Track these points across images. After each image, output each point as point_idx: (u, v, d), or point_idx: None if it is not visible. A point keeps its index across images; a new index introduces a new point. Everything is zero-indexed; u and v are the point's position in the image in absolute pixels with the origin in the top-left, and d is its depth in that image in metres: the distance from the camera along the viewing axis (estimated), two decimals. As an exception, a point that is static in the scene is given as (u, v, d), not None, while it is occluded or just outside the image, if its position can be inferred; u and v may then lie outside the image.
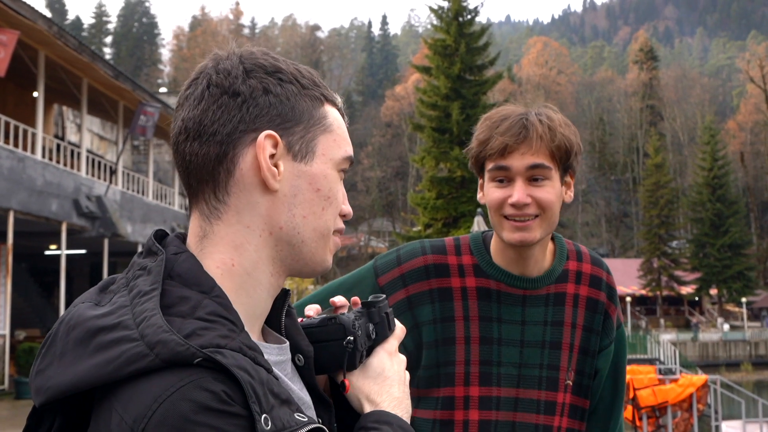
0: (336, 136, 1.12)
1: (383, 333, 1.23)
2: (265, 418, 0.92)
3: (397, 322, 1.27)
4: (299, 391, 1.08)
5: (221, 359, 0.91)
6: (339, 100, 1.17)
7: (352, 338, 1.16)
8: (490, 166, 1.82)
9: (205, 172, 1.05)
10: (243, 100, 1.05)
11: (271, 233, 1.06)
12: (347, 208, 1.15)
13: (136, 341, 0.92)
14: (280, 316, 1.16)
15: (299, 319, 1.21)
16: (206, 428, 0.88)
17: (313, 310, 1.27)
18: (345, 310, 1.23)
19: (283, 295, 1.15)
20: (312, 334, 1.18)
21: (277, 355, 1.09)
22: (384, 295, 1.26)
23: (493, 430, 1.88)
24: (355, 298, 1.27)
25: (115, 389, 0.93)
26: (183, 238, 1.10)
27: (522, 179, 1.79)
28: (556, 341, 1.92)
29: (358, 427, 1.12)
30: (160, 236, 1.11)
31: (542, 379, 1.91)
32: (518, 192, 1.78)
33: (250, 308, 1.06)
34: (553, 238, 1.97)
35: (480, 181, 1.91)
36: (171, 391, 0.89)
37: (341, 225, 1.14)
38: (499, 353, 1.90)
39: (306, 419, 0.98)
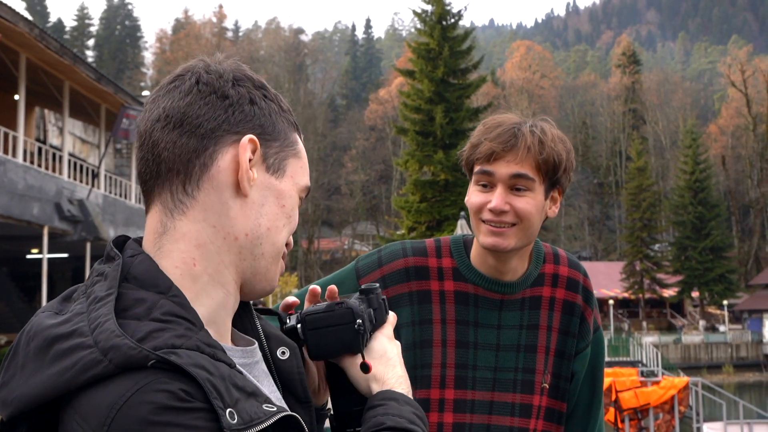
0: (302, 164, 1.14)
1: (381, 318, 1.27)
2: (230, 412, 0.91)
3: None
4: (269, 394, 1.05)
5: (175, 359, 0.90)
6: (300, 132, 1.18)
7: (361, 321, 1.19)
8: (476, 169, 1.84)
9: (179, 163, 1.04)
10: (230, 103, 1.06)
11: (236, 238, 1.05)
12: (291, 240, 1.15)
13: (90, 348, 0.91)
14: (251, 318, 1.17)
15: (290, 312, 1.24)
16: (170, 427, 0.87)
17: (291, 300, 1.33)
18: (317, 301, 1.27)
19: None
20: (318, 320, 1.20)
21: (241, 357, 1.07)
22: (378, 284, 1.30)
23: None
24: (332, 287, 1.28)
25: (74, 398, 0.92)
26: (141, 242, 1.09)
27: (504, 186, 1.81)
28: (532, 344, 1.93)
29: (369, 405, 1.16)
30: (121, 242, 1.09)
31: (516, 383, 1.92)
32: (497, 198, 1.80)
33: (212, 310, 1.04)
34: None
35: (470, 185, 1.93)
36: (127, 396, 0.88)
37: (288, 247, 1.14)
38: (475, 357, 1.91)
39: (275, 408, 0.97)
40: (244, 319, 1.17)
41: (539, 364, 1.94)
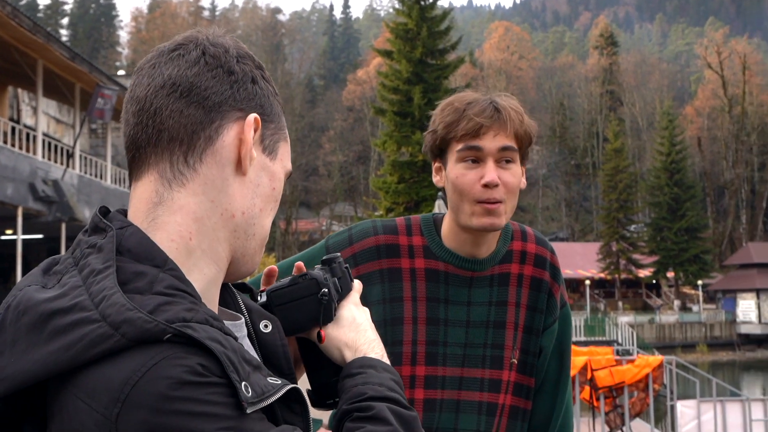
0: (288, 149, 1.14)
1: (347, 286, 1.26)
2: (245, 385, 0.90)
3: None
4: None
5: (192, 333, 0.88)
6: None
7: (326, 290, 1.18)
8: (459, 146, 1.83)
9: (183, 132, 1.01)
10: (236, 79, 1.04)
11: (233, 216, 1.04)
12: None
13: (97, 322, 0.88)
14: (231, 292, 1.16)
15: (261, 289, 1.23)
16: (188, 402, 0.85)
17: (272, 268, 1.32)
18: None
19: None
20: (283, 294, 1.19)
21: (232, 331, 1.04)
22: (339, 253, 1.29)
23: (438, 408, 1.91)
24: (299, 263, 1.27)
25: (73, 377, 0.87)
26: (125, 213, 1.06)
27: (493, 160, 1.82)
28: (501, 321, 1.95)
29: (344, 374, 1.14)
30: (104, 212, 1.05)
31: (486, 358, 1.94)
32: (491, 172, 1.80)
33: (203, 285, 1.01)
34: None
35: (436, 165, 1.93)
36: (143, 370, 0.85)
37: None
38: (445, 333, 1.92)
39: (280, 382, 0.97)
40: (224, 294, 1.14)
41: (508, 339, 1.95)
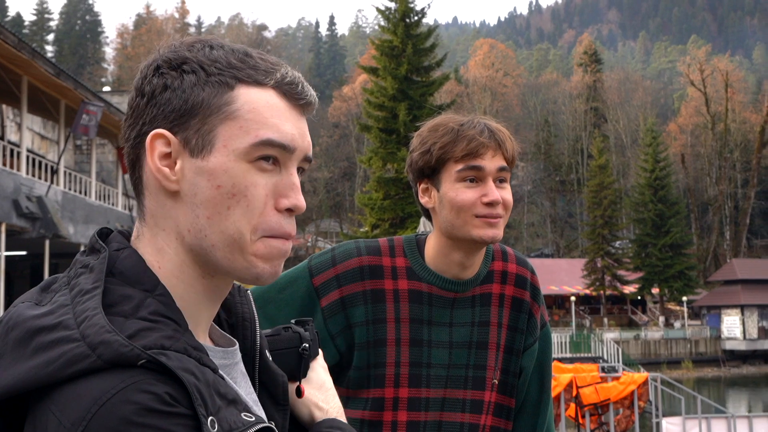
0: (243, 122, 0.99)
1: (316, 350, 1.26)
2: (211, 420, 0.89)
3: None
4: (245, 396, 1.03)
5: (165, 361, 0.88)
6: (279, 75, 1.04)
7: (307, 345, 1.19)
8: (459, 166, 1.85)
9: (131, 177, 1.05)
10: (147, 100, 1.00)
11: (183, 237, 1.00)
12: (288, 201, 1.02)
13: (77, 341, 0.89)
14: (250, 305, 1.16)
15: None
16: (149, 429, 0.85)
17: None
18: None
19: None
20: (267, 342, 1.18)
21: (222, 358, 1.04)
22: (312, 318, 1.33)
23: (422, 430, 1.91)
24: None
25: (51, 391, 0.89)
26: (127, 235, 1.06)
27: (492, 180, 1.86)
28: (483, 341, 1.96)
29: (316, 431, 1.16)
30: (105, 234, 1.06)
31: (468, 379, 1.94)
32: (494, 191, 1.84)
33: (186, 311, 1.00)
34: None
35: (422, 186, 1.93)
36: (111, 393, 0.86)
37: (275, 224, 1.00)
38: (429, 355, 1.93)
39: (254, 419, 0.95)
40: (244, 307, 1.16)
41: (490, 360, 1.96)
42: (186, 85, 0.99)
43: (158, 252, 1.01)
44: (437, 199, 1.90)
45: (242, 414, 0.94)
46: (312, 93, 1.08)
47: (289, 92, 1.04)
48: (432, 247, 1.95)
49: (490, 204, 1.84)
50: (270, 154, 1.00)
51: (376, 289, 1.93)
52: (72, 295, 0.95)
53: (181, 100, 0.99)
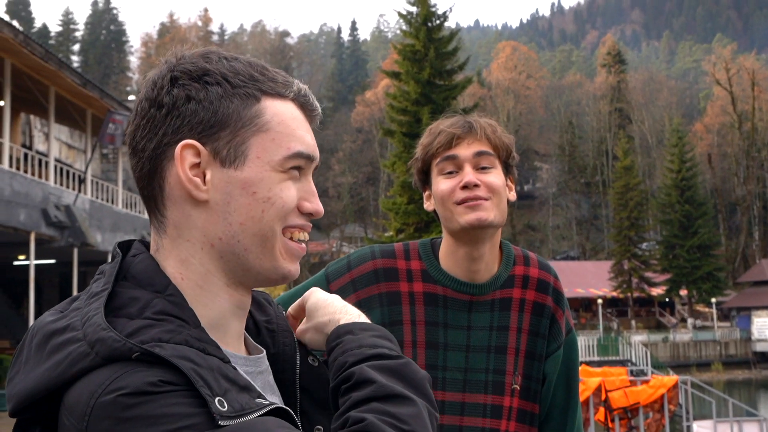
0: (275, 135, 1.03)
1: None
2: (219, 400, 0.89)
3: None
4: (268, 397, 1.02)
5: (159, 351, 0.90)
6: (295, 87, 1.08)
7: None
8: (437, 161, 1.89)
9: (145, 188, 1.04)
10: (167, 111, 1.01)
11: (212, 245, 1.02)
12: (311, 205, 1.07)
13: (80, 341, 0.92)
14: (288, 332, 1.17)
15: None
16: (149, 407, 0.86)
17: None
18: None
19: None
20: None
21: (244, 365, 1.04)
22: None
23: None
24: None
25: (66, 393, 0.92)
26: (147, 245, 1.08)
27: (470, 166, 1.87)
28: (502, 346, 1.95)
29: (327, 350, 1.11)
30: (128, 244, 1.09)
31: (488, 384, 1.93)
32: (468, 174, 1.85)
33: (210, 320, 1.01)
34: (500, 245, 2.00)
35: (426, 192, 1.97)
36: (106, 384, 0.88)
37: (297, 221, 1.06)
38: (444, 358, 1.92)
39: (267, 402, 0.95)
40: (279, 317, 1.17)
41: (509, 365, 1.95)
42: (212, 96, 1.01)
43: (182, 263, 1.02)
44: (433, 200, 1.95)
45: (256, 399, 0.95)
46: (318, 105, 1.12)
47: (305, 104, 1.09)
48: (444, 249, 1.96)
49: (466, 187, 1.84)
50: (299, 165, 1.05)
51: (392, 291, 1.94)
52: (85, 298, 0.99)
53: (209, 112, 1.00)
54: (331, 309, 1.16)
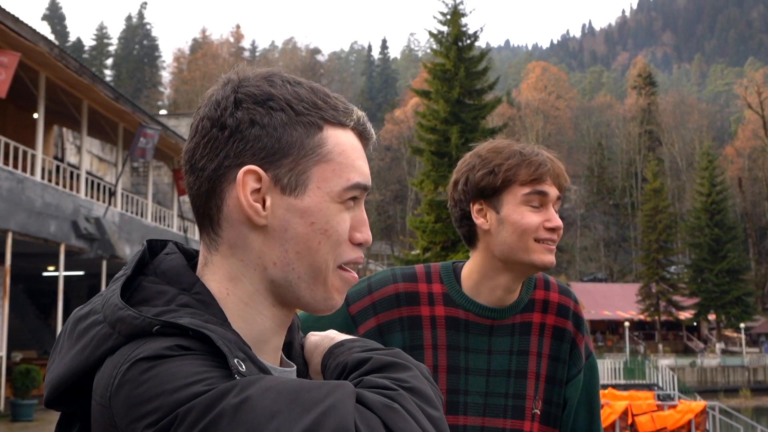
0: (336, 165, 1.03)
1: None
2: (237, 361, 0.90)
3: None
4: None
5: (180, 321, 0.92)
6: (355, 116, 1.08)
7: None
8: (526, 190, 1.85)
9: (200, 206, 1.04)
10: (230, 133, 1.00)
11: (265, 268, 1.03)
12: (362, 236, 1.06)
13: (102, 323, 0.95)
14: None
15: None
16: (169, 365, 0.88)
17: None
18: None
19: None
20: None
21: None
22: None
23: None
24: None
25: (94, 381, 0.94)
26: (183, 247, 1.11)
27: (554, 207, 1.89)
28: (522, 370, 1.94)
29: (322, 367, 1.11)
30: (161, 245, 1.11)
31: (507, 408, 1.92)
32: (557, 218, 1.89)
33: (250, 334, 1.02)
34: None
35: (476, 206, 1.91)
36: (127, 355, 0.90)
37: (351, 256, 1.06)
38: (466, 382, 1.92)
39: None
40: (300, 336, 1.17)
41: (529, 389, 1.94)
42: (277, 123, 1.01)
43: (230, 280, 1.03)
44: (495, 221, 1.89)
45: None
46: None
47: (363, 132, 1.09)
48: (472, 273, 1.94)
49: (553, 230, 1.86)
50: (355, 195, 1.04)
51: (413, 315, 1.93)
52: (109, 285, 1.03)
53: (273, 139, 1.00)
54: (326, 342, 1.15)
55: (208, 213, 1.03)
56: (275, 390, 0.86)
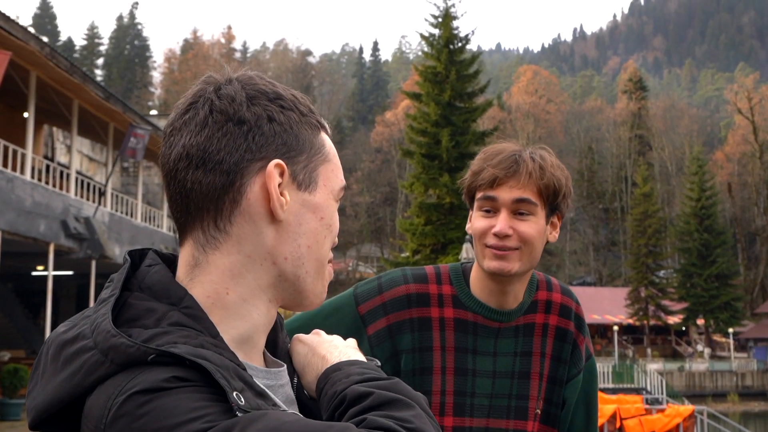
0: (333, 166, 1.09)
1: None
2: (236, 394, 0.89)
3: None
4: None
5: (175, 351, 0.89)
6: (327, 126, 1.13)
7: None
8: (479, 195, 1.87)
9: (208, 201, 1.01)
10: (249, 128, 1.01)
11: (274, 263, 1.03)
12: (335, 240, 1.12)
13: (92, 350, 0.92)
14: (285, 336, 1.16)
15: None
16: (165, 401, 0.86)
17: None
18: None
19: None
20: None
21: (265, 378, 1.04)
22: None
23: None
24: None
25: (84, 403, 0.92)
26: (162, 255, 1.08)
27: (507, 211, 1.84)
28: (526, 371, 1.96)
29: (317, 390, 1.08)
30: (140, 253, 1.08)
31: (510, 409, 1.94)
32: (501, 222, 1.83)
33: (244, 331, 1.02)
34: None
35: (470, 212, 1.95)
36: (122, 386, 0.88)
37: (331, 254, 1.11)
38: (473, 384, 1.93)
39: (283, 408, 0.96)
40: (285, 335, 1.16)
41: (533, 390, 1.96)
42: (292, 121, 1.04)
43: (232, 277, 1.01)
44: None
45: (272, 406, 0.94)
46: None
47: (330, 137, 1.14)
48: (474, 276, 1.96)
49: (497, 235, 1.83)
50: (341, 196, 1.11)
51: (423, 317, 1.93)
52: (95, 307, 0.99)
53: (292, 136, 1.03)
54: (323, 347, 1.13)
55: (217, 207, 1.01)
56: None
